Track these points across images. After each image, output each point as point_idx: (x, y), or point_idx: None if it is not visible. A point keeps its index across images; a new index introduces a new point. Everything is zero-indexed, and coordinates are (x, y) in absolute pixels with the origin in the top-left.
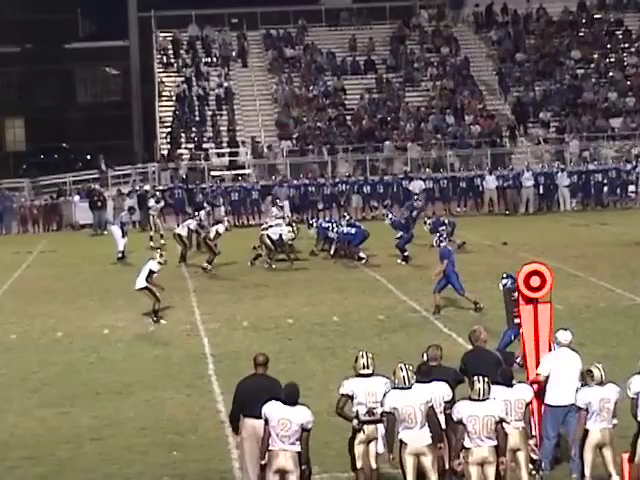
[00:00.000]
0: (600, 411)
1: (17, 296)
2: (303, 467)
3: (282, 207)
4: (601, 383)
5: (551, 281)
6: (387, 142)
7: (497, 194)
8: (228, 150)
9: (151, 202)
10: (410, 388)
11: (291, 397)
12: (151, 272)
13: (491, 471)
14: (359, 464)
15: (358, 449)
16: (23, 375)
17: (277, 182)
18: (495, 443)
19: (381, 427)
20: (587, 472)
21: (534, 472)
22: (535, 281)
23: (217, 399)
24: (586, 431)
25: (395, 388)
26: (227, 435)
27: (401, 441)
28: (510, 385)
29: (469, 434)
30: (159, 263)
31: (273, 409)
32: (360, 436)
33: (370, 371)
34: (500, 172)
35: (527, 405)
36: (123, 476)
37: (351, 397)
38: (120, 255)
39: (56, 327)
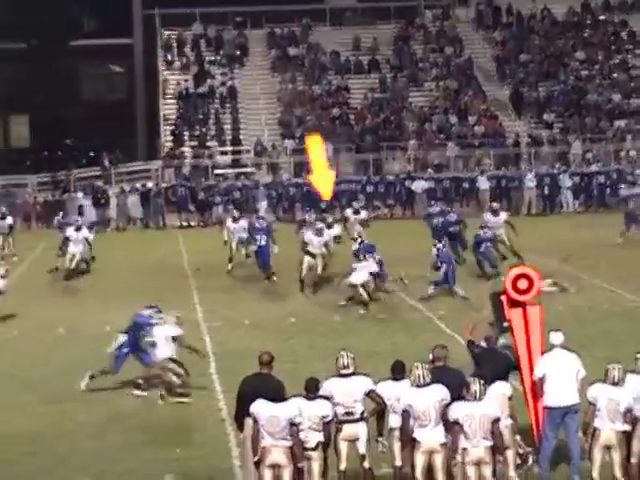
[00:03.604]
0: (609, 411)
1: (19, 292)
2: (298, 465)
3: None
4: (615, 383)
5: (539, 284)
6: (450, 144)
7: (496, 194)
8: (231, 148)
9: None
10: (425, 386)
11: (277, 393)
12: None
13: (488, 471)
14: (342, 465)
15: (342, 447)
16: (24, 371)
17: (252, 182)
18: (491, 443)
19: (363, 427)
20: (595, 473)
21: (520, 466)
22: (523, 284)
23: (218, 397)
24: (596, 430)
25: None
26: (228, 433)
27: (414, 439)
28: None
29: (465, 434)
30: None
31: (261, 407)
32: (340, 434)
33: (350, 371)
34: (504, 172)
35: (509, 400)
36: (122, 473)
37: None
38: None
39: (57, 323)
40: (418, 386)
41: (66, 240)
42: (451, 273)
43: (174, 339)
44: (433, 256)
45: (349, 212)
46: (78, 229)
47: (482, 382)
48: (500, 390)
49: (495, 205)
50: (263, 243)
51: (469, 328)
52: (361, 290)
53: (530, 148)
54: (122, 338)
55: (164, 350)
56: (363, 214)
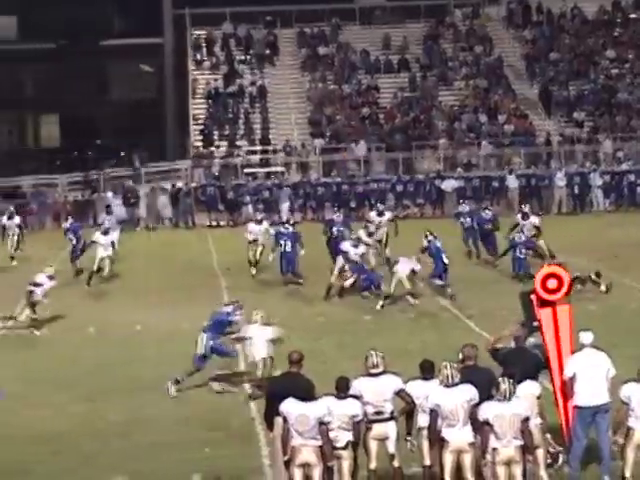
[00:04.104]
0: None
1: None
2: (328, 464)
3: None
4: None
5: (568, 283)
6: (484, 142)
7: (526, 194)
8: (261, 148)
9: (3, 219)
10: (454, 386)
11: (307, 392)
12: None
13: (518, 471)
14: (372, 465)
15: (371, 447)
16: (55, 370)
17: (276, 182)
18: (521, 442)
19: (392, 426)
20: (627, 473)
21: (551, 465)
22: (552, 284)
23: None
24: (630, 429)
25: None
26: (258, 432)
27: (443, 438)
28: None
29: (496, 434)
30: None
31: (290, 406)
32: (370, 434)
33: (380, 370)
34: (533, 171)
35: (538, 399)
36: (152, 472)
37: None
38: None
39: (88, 323)
40: (447, 386)
41: (92, 243)
42: (441, 268)
43: (273, 341)
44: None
45: (373, 214)
46: (106, 233)
47: (511, 381)
48: (529, 389)
49: (525, 208)
50: (288, 249)
51: (494, 340)
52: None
53: (560, 147)
54: (204, 337)
55: (262, 350)
56: (388, 215)
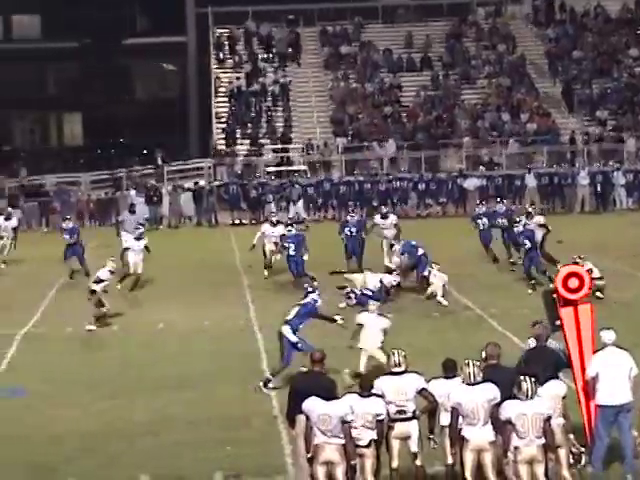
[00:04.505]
0: None
1: (73, 290)
2: (351, 462)
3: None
4: None
5: (589, 282)
6: (511, 141)
7: (549, 192)
8: (283, 146)
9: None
10: (476, 385)
11: (329, 391)
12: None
13: (540, 470)
14: (394, 463)
15: (394, 445)
16: (79, 369)
17: (289, 181)
18: (543, 441)
19: (414, 425)
20: None
21: (574, 465)
22: (573, 283)
23: (270, 394)
24: None
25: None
26: (280, 430)
27: (463, 437)
28: (542, 383)
29: (518, 433)
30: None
31: (312, 405)
32: (392, 432)
33: (402, 369)
34: (556, 170)
35: (563, 399)
36: (175, 471)
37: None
38: None
39: (112, 322)
40: (468, 384)
41: (125, 251)
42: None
43: (385, 331)
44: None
45: (377, 218)
46: (139, 239)
47: (533, 380)
48: (555, 390)
49: (529, 207)
50: (292, 252)
51: None
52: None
53: (583, 146)
54: (289, 329)
55: (374, 338)
56: (392, 218)
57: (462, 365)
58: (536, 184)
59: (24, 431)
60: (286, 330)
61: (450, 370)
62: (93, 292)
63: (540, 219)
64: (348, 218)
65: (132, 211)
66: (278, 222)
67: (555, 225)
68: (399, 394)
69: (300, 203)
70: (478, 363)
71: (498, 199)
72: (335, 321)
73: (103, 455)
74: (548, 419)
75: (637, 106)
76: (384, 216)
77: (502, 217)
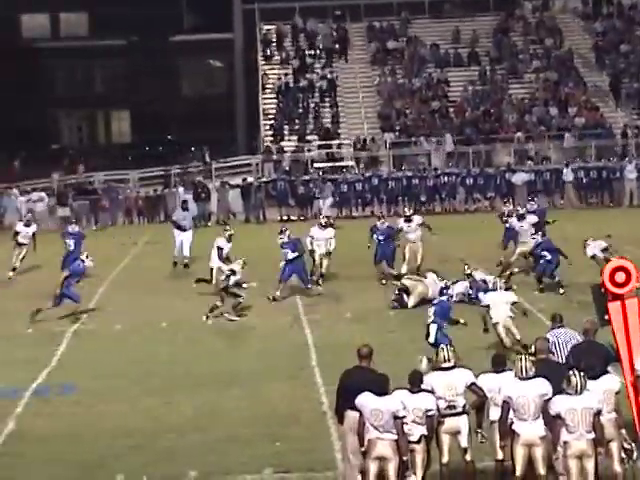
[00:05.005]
0: None
1: (122, 287)
2: (404, 458)
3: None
4: None
5: (636, 276)
6: (567, 135)
7: (597, 186)
8: (331, 142)
9: (19, 226)
10: (528, 379)
11: (381, 386)
12: None
13: (590, 465)
14: (445, 459)
15: (444, 440)
16: (128, 365)
17: (319, 177)
18: (593, 436)
19: (464, 420)
20: None
21: (626, 461)
22: (620, 277)
23: (320, 390)
24: None
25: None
26: (330, 426)
27: (514, 432)
28: (595, 377)
29: (568, 428)
30: None
31: (365, 400)
32: (442, 428)
33: (451, 364)
34: (604, 164)
35: (616, 394)
36: (224, 467)
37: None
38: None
39: (160, 317)
40: (521, 378)
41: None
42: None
43: (513, 304)
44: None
45: (401, 222)
46: (229, 240)
47: (582, 374)
48: (609, 384)
49: (521, 209)
50: (289, 257)
51: None
52: None
53: (632, 139)
54: (434, 327)
55: (504, 313)
56: (416, 220)
57: (515, 359)
58: (572, 178)
59: (74, 428)
60: (433, 329)
61: (499, 364)
62: (225, 288)
63: (533, 219)
64: (377, 224)
65: (185, 208)
66: (328, 224)
67: (604, 219)
68: (449, 389)
69: (329, 201)
70: (532, 358)
71: (530, 197)
72: (458, 322)
73: (151, 451)
74: (598, 413)
75: None
76: (408, 219)
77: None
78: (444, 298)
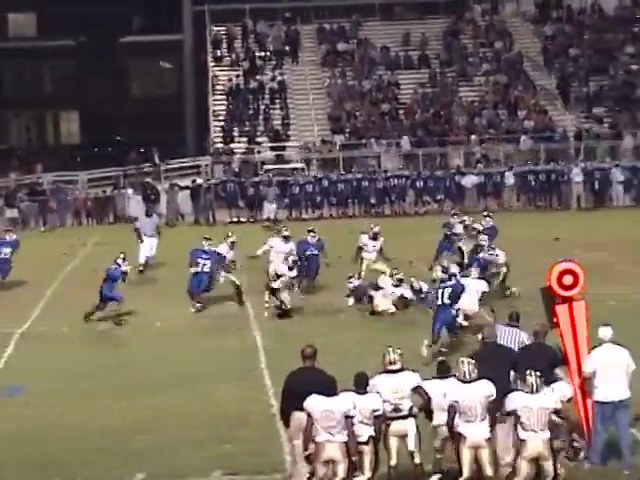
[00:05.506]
0: None
1: (70, 288)
2: (353, 458)
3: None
4: None
5: (583, 279)
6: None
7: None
8: (281, 144)
9: None
10: (472, 382)
11: (329, 388)
12: None
13: (549, 466)
14: (393, 461)
15: (391, 443)
16: (76, 367)
17: (265, 180)
18: (549, 435)
19: (411, 423)
20: None
21: (572, 459)
22: (568, 280)
23: (269, 392)
24: None
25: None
26: (279, 428)
27: (460, 434)
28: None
29: (523, 425)
30: None
31: (315, 402)
32: (389, 430)
33: (398, 367)
34: (552, 167)
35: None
36: (173, 469)
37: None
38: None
39: (109, 319)
40: (464, 382)
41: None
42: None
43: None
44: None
45: (365, 238)
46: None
47: (538, 374)
48: (562, 392)
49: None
50: (206, 270)
51: None
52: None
53: (579, 142)
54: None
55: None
56: (380, 241)
57: (458, 363)
58: (513, 182)
59: (22, 430)
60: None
61: (443, 371)
62: (274, 289)
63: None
64: (308, 238)
65: (149, 214)
66: (290, 237)
67: (552, 222)
68: (395, 392)
69: (275, 204)
70: (473, 361)
71: (485, 214)
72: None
73: (100, 453)
74: (554, 412)
75: (633, 103)
76: (374, 237)
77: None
78: (453, 281)
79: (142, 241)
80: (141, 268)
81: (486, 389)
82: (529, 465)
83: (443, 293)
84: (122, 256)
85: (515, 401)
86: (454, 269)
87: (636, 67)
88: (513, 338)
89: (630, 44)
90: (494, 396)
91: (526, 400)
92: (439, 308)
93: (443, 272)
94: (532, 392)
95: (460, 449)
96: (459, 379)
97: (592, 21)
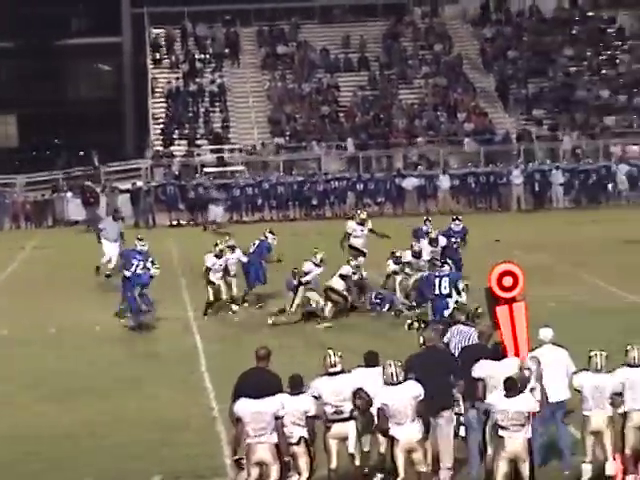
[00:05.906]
0: (593, 398)
1: (9, 291)
2: (285, 459)
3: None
4: (598, 370)
5: (522, 280)
6: (467, 139)
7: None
8: (221, 147)
9: None
10: (399, 384)
11: (272, 387)
12: None
13: (525, 468)
14: (333, 464)
15: (331, 446)
16: (18, 371)
17: (208, 183)
18: (528, 436)
19: (352, 425)
20: (587, 459)
21: None
22: (507, 281)
23: (210, 395)
24: (584, 416)
25: (385, 384)
26: (219, 431)
27: (393, 437)
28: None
29: (502, 424)
30: None
31: (244, 405)
32: (329, 433)
33: (338, 369)
34: (492, 169)
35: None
36: (116, 472)
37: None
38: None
39: (49, 323)
40: (392, 384)
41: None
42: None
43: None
44: None
45: (353, 224)
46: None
47: (398, 364)
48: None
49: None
50: (140, 271)
51: None
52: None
53: (519, 144)
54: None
55: None
56: (369, 224)
57: (384, 365)
58: (449, 186)
59: None
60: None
61: (371, 360)
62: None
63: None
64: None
65: (116, 218)
66: (236, 246)
67: (492, 224)
68: (335, 395)
69: (222, 207)
70: (399, 363)
71: (454, 217)
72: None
73: (46, 458)
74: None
75: (572, 105)
76: (361, 222)
77: (456, 236)
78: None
79: (101, 242)
80: (108, 272)
81: (414, 390)
82: (507, 465)
83: (440, 282)
84: (151, 259)
85: (496, 404)
86: (409, 257)
87: (575, 69)
88: (464, 338)
89: (568, 46)
90: (422, 396)
91: (504, 403)
92: (437, 298)
93: (396, 263)
94: (393, 384)
95: (394, 451)
96: (386, 382)
97: (530, 23)
